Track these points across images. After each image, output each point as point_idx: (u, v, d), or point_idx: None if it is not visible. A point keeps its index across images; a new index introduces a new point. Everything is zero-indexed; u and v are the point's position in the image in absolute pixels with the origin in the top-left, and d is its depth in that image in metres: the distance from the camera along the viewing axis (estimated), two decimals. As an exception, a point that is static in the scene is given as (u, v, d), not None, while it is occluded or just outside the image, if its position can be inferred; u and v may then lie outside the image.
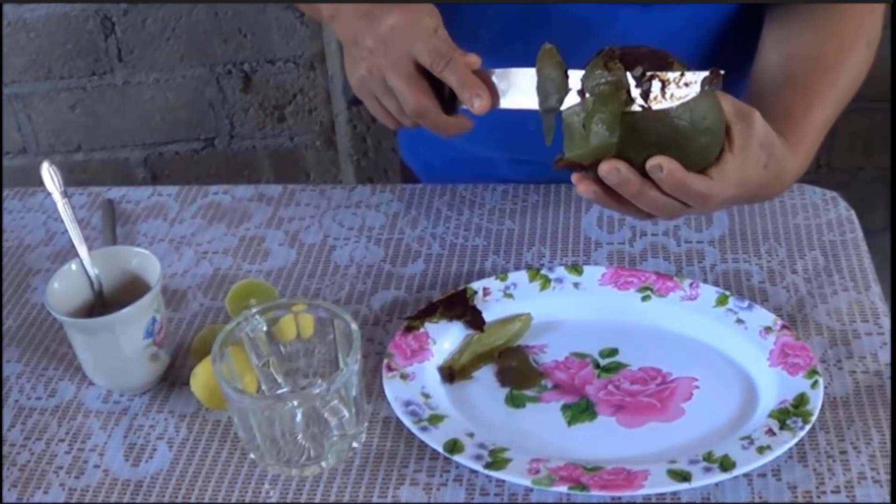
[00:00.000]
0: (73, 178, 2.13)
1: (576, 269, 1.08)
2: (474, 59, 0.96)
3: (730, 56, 1.11)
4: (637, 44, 0.89)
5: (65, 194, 1.05)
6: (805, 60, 1.04)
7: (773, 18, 1.08)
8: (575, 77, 0.91)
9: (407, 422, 0.94)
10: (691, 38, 1.12)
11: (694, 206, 0.89)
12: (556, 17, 1.10)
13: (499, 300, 1.06)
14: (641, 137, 0.86)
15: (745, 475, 0.89)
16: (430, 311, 1.04)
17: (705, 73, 0.86)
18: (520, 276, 1.08)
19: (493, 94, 0.96)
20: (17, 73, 2.02)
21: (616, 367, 0.99)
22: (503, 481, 0.90)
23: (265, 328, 0.95)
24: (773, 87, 1.03)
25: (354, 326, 0.91)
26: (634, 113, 0.86)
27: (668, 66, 0.86)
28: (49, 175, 1.05)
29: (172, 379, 1.04)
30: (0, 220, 1.28)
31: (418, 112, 0.97)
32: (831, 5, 1.05)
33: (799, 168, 0.98)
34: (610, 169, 0.86)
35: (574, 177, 0.90)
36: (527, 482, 0.88)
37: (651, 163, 0.86)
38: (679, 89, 0.85)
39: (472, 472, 0.91)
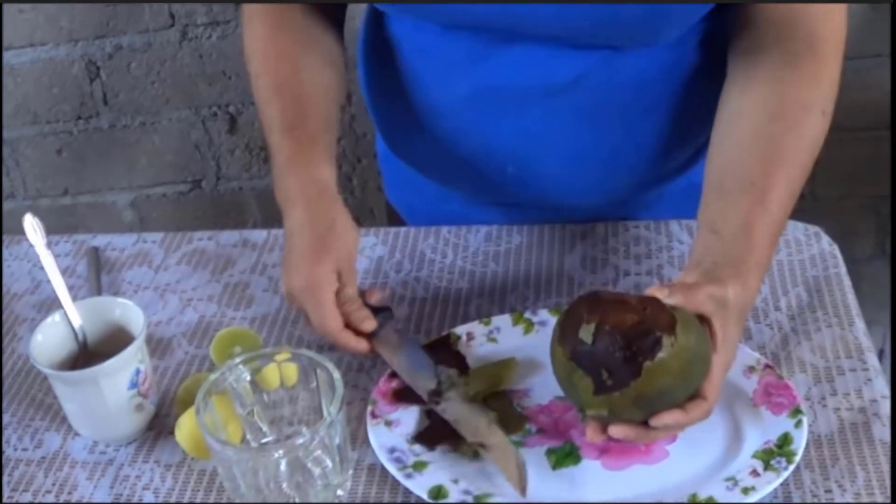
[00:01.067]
0: (60, 223, 2.13)
1: (559, 311, 1.08)
2: (368, 325, 1.05)
3: (700, 101, 1.11)
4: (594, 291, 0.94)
5: (48, 246, 1.06)
6: (760, 154, 1.01)
7: (734, 76, 1.07)
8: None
9: (391, 469, 0.94)
10: (662, 86, 1.12)
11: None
12: (521, 66, 1.10)
13: (483, 345, 1.06)
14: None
15: (730, 517, 0.89)
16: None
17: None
18: (503, 321, 1.08)
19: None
20: (3, 118, 2.02)
21: (600, 410, 0.99)
22: (488, 527, 0.90)
23: (249, 377, 0.95)
24: (731, 188, 1.01)
25: (337, 375, 0.91)
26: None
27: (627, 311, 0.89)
28: (32, 227, 1.05)
29: (158, 428, 1.04)
30: (0, 268, 1.29)
31: (323, 333, 1.05)
32: (791, 68, 1.03)
33: (758, 280, 0.98)
34: (621, 433, 0.91)
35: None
36: (512, 528, 0.88)
37: (654, 423, 0.90)
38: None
39: (458, 518, 0.91)
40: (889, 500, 0.90)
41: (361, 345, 1.04)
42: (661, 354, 0.86)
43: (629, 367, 0.87)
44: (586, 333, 0.88)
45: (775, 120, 1.02)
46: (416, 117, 1.18)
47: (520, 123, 1.13)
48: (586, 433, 0.92)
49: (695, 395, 0.90)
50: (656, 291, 0.91)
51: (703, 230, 0.99)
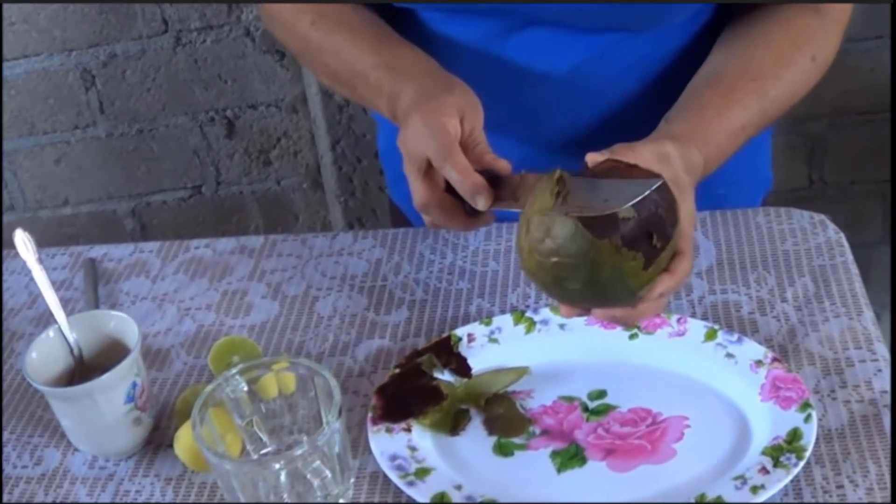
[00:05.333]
0: (61, 233, 2.12)
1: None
2: (503, 164, 0.97)
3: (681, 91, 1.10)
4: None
5: (41, 260, 1.04)
6: (736, 65, 1.04)
7: (728, 29, 1.08)
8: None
9: (393, 476, 0.92)
10: (642, 74, 1.12)
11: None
12: (530, 51, 1.09)
13: (484, 346, 1.05)
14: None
15: (740, 516, 0.87)
16: (415, 359, 1.03)
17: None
18: (504, 320, 1.07)
19: (502, 192, 0.97)
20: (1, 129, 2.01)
21: (605, 410, 0.98)
22: (493, 534, 0.89)
23: (246, 388, 0.94)
24: (696, 84, 1.03)
25: (334, 383, 0.89)
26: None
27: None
28: (22, 242, 1.04)
29: (158, 441, 1.03)
30: (0, 283, 1.27)
31: (421, 207, 0.99)
32: (775, 17, 1.04)
33: (706, 166, 0.97)
34: (607, 315, 0.92)
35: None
36: (517, 534, 0.86)
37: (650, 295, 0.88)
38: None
39: (462, 525, 0.90)
40: (889, 501, 0.88)
41: (480, 179, 0.95)
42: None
43: (670, 217, 0.85)
44: (626, 210, 0.84)
45: (761, 48, 1.03)
46: None
47: (527, 108, 1.11)
48: (561, 312, 0.93)
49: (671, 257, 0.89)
50: (597, 157, 0.89)
51: (660, 124, 1.00)
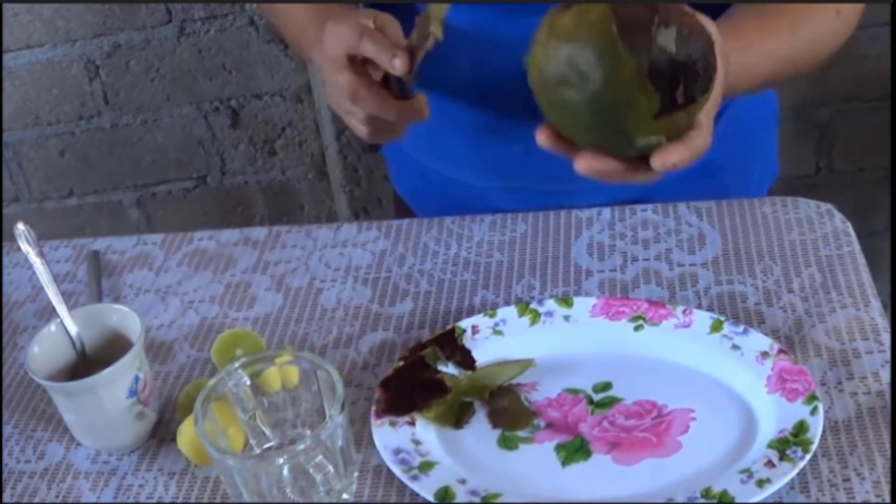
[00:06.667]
0: (66, 224, 2.11)
1: (566, 301, 1.05)
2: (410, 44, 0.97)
3: None
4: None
5: (41, 254, 1.04)
6: (764, 4, 1.02)
7: None
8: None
9: (397, 470, 0.92)
10: None
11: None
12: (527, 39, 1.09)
13: (488, 338, 1.04)
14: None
15: (746, 510, 0.87)
16: (419, 352, 1.02)
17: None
18: (509, 312, 1.06)
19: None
20: (4, 121, 2.01)
21: (610, 402, 0.97)
22: (498, 528, 0.88)
23: (249, 382, 0.93)
24: (728, 14, 1.01)
25: (337, 377, 0.89)
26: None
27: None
28: (24, 236, 1.03)
29: (161, 435, 1.02)
30: (0, 275, 1.27)
31: (352, 94, 0.98)
32: None
33: (736, 78, 0.92)
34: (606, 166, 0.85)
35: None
36: (521, 529, 0.85)
37: (658, 164, 0.82)
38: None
39: (466, 519, 0.89)
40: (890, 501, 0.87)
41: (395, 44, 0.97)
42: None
43: (704, 79, 0.78)
44: (667, 39, 0.76)
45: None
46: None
47: (525, 99, 1.11)
48: (537, 137, 0.85)
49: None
50: None
51: None
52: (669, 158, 0.82)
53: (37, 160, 2.07)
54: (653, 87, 0.77)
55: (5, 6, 1.87)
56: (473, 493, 0.89)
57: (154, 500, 0.96)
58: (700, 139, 0.83)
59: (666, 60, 0.76)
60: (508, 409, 0.97)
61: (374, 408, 0.98)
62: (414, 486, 0.90)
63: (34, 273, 1.24)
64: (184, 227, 1.30)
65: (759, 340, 0.99)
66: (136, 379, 0.98)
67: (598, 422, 0.95)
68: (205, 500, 0.95)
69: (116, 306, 1.03)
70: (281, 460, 0.87)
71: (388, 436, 0.95)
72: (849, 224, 1.15)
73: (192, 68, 1.94)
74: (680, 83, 0.77)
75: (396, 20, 1.02)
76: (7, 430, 1.06)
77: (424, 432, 0.96)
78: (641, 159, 0.83)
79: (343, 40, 0.99)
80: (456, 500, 0.88)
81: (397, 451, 0.93)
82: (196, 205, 2.13)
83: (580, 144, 0.84)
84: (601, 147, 0.83)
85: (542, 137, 0.86)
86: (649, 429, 0.94)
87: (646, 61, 0.76)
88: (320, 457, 0.86)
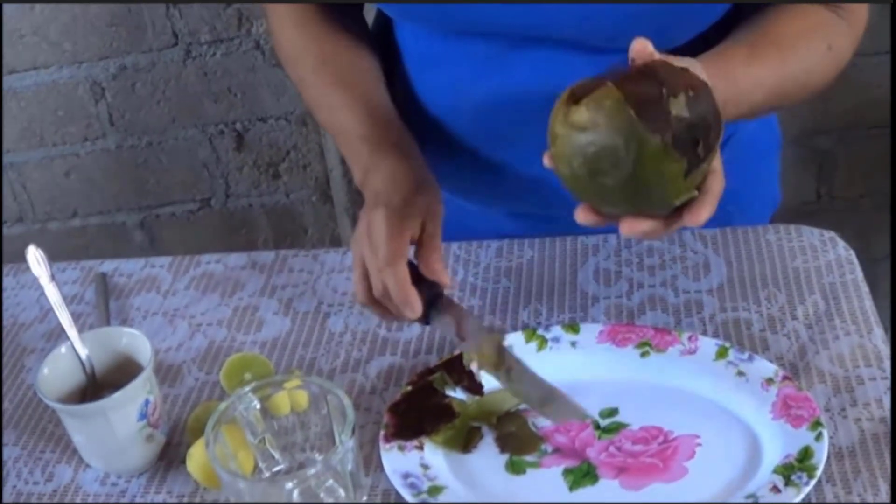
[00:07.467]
0: (70, 245, 2.12)
1: (572, 327, 1.06)
2: (445, 278, 1.02)
3: None
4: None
5: (53, 276, 1.05)
6: (756, 33, 1.02)
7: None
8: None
9: (406, 495, 0.92)
10: None
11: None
12: (537, 71, 1.09)
13: (495, 363, 1.05)
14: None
15: (752, 535, 0.87)
16: (427, 377, 1.03)
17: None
18: (516, 338, 1.07)
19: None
20: (10, 142, 2.02)
21: (617, 428, 0.98)
22: (506, 553, 0.89)
23: (258, 405, 0.94)
24: (719, 45, 1.01)
25: (347, 401, 0.90)
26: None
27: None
28: (35, 259, 1.04)
29: (170, 458, 1.03)
30: (0, 297, 1.27)
31: (362, 303, 1.04)
32: (790, 10, 1.04)
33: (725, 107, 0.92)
34: (645, 227, 0.87)
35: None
36: (529, 553, 0.86)
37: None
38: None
39: (475, 544, 0.90)
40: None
41: (418, 303, 1.00)
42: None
43: (715, 127, 0.81)
44: (680, 108, 0.79)
45: (781, 24, 1.02)
46: (425, 125, 1.17)
47: (534, 130, 1.12)
48: (577, 215, 0.87)
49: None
50: (644, 49, 0.85)
51: None
52: (702, 215, 0.85)
53: (41, 181, 2.07)
54: (678, 153, 0.80)
55: (12, 29, 1.88)
56: (482, 517, 0.90)
57: (163, 523, 0.97)
58: (717, 185, 0.86)
59: (684, 127, 0.80)
60: (516, 434, 0.98)
61: (382, 432, 0.98)
62: (423, 510, 0.91)
63: (42, 294, 1.25)
64: (187, 250, 1.31)
65: (763, 367, 1.00)
66: (147, 402, 0.99)
67: (605, 447, 0.96)
68: (214, 523, 0.96)
69: (126, 329, 1.03)
70: (291, 484, 0.87)
71: (396, 460, 0.96)
72: (852, 252, 1.16)
73: (197, 91, 1.95)
74: (699, 141, 0.81)
75: (443, 207, 1.05)
76: (15, 451, 1.06)
77: (433, 457, 0.97)
78: (676, 209, 0.86)
79: (376, 249, 1.00)
80: (464, 525, 0.89)
81: (406, 476, 0.94)
82: (200, 227, 2.13)
83: (620, 214, 0.87)
84: (640, 212, 0.86)
85: (581, 216, 0.88)
86: (656, 454, 0.95)
87: (668, 135, 0.79)
88: (331, 481, 0.86)
